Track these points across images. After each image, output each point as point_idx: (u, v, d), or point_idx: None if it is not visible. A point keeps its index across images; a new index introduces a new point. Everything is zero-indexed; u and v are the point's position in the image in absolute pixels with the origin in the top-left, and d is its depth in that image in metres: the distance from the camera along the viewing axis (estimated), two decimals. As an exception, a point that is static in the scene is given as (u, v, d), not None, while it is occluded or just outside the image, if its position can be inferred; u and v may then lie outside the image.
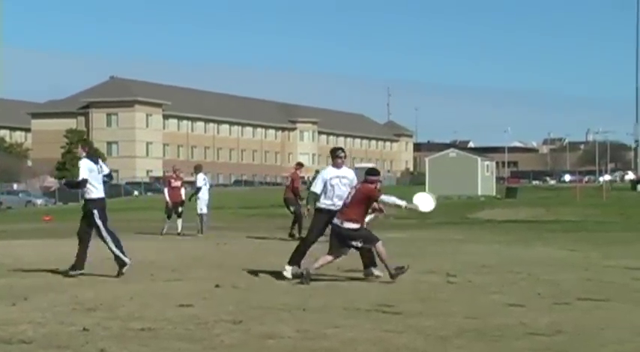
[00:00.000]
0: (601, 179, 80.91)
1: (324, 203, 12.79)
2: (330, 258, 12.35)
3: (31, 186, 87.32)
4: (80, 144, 14.12)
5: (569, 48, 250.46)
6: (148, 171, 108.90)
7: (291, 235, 22.30)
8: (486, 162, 58.25)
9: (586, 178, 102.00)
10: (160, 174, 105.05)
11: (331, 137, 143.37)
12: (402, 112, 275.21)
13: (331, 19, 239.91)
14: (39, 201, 70.83)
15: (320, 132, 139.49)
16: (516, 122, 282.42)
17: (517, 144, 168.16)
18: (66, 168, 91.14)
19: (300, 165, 24.97)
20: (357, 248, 12.28)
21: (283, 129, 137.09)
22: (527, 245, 20.12)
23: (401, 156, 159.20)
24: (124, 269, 13.19)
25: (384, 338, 8.12)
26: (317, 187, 12.92)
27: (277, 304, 10.15)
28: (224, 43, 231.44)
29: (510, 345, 7.89)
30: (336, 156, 12.97)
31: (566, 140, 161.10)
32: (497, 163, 70.29)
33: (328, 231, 12.74)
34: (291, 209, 23.46)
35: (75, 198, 55.81)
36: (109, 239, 13.33)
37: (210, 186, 26.95)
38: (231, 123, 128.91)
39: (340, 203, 12.46)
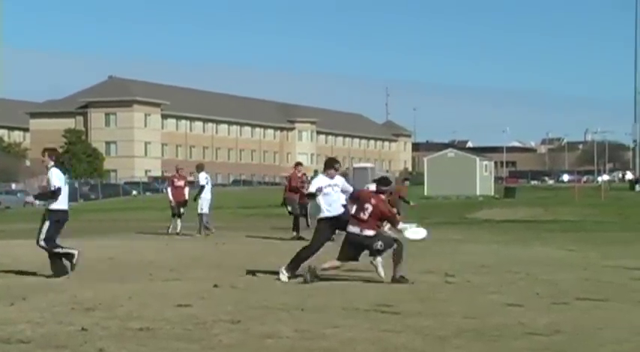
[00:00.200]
0: (599, 179, 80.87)
1: (323, 213, 12.98)
2: (337, 263, 12.57)
3: (30, 186, 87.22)
4: (47, 152, 13.50)
5: (568, 48, 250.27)
6: (146, 171, 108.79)
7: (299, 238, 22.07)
8: (485, 162, 58.27)
9: (584, 178, 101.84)
10: (158, 173, 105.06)
11: (330, 137, 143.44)
12: (400, 112, 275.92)
13: (330, 19, 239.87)
14: (37, 201, 70.76)
15: (318, 132, 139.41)
16: (515, 122, 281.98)
17: (515, 144, 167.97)
18: (65, 168, 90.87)
19: (298, 164, 25.06)
20: (379, 251, 12.34)
21: (282, 129, 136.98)
22: (526, 245, 20.13)
23: (399, 156, 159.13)
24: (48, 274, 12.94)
25: (382, 338, 8.13)
26: (312, 189, 13.28)
27: (276, 304, 10.16)
28: (222, 42, 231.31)
29: (509, 345, 7.90)
30: (332, 168, 13.16)
31: (565, 140, 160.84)
32: (495, 163, 70.43)
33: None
34: (289, 209, 23.43)
35: (74, 198, 55.73)
36: (43, 248, 13.02)
37: (212, 185, 26.79)
38: (229, 123, 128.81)
39: (335, 207, 12.80)
